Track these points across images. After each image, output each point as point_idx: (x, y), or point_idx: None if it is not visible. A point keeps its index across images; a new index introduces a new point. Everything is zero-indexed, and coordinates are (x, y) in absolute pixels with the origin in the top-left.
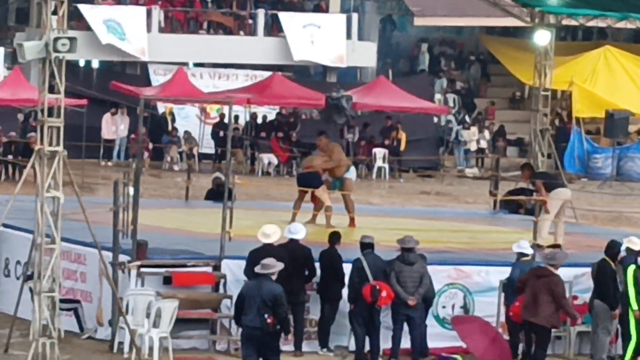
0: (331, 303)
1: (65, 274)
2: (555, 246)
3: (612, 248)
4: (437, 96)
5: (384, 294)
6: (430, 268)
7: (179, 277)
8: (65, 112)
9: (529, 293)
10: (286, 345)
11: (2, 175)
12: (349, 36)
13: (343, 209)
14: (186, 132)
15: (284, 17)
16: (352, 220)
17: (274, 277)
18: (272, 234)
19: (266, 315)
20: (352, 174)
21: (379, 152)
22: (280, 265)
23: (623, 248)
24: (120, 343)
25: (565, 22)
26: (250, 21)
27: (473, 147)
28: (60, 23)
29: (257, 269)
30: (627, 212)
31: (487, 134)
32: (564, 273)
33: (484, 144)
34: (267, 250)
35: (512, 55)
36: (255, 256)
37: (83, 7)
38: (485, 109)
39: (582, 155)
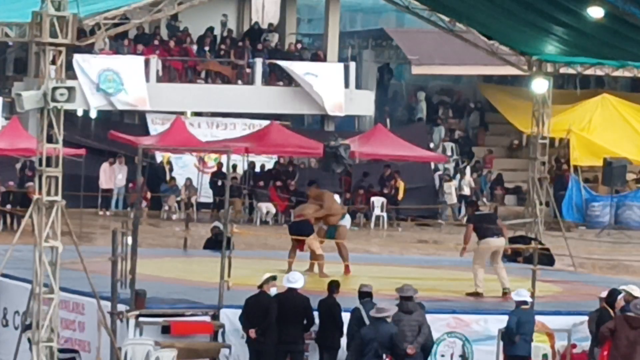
0: (330, 352)
1: (63, 323)
2: (504, 293)
3: (612, 296)
4: (432, 145)
5: None
6: (429, 317)
7: (177, 327)
8: (64, 162)
9: (623, 343)
10: None
11: (0, 225)
12: (346, 85)
13: (337, 257)
14: (188, 179)
15: (283, 66)
16: (346, 267)
17: (389, 320)
18: (264, 282)
19: (385, 356)
20: (346, 221)
21: (377, 200)
22: (394, 309)
23: (620, 296)
24: None
25: (562, 70)
26: (248, 70)
27: (451, 200)
28: (58, 73)
29: (373, 313)
30: (626, 260)
31: (470, 180)
32: (562, 321)
33: (467, 191)
34: (260, 298)
35: (510, 104)
36: (250, 304)
37: (80, 58)
38: (483, 157)
39: (580, 203)
